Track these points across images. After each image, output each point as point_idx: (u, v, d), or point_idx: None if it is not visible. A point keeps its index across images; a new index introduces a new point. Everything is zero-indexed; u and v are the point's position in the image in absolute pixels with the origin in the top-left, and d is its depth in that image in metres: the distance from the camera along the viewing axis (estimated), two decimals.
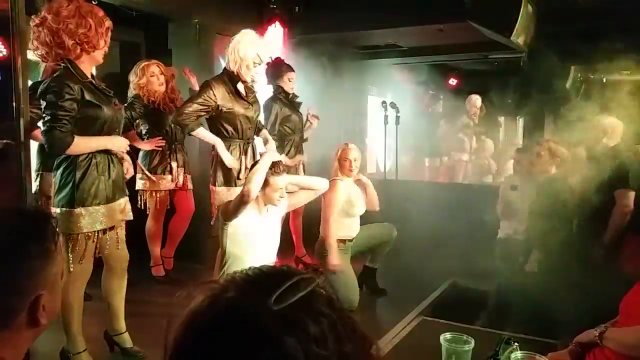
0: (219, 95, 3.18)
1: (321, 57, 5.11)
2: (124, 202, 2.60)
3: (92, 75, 2.49)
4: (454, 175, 7.06)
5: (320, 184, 3.14)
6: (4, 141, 2.59)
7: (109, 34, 2.48)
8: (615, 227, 3.30)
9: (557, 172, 3.65)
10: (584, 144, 3.78)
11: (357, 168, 3.67)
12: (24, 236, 1.01)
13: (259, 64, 3.26)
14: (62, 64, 2.39)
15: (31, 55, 2.50)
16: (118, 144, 2.55)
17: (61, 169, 2.46)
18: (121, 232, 2.64)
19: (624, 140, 3.49)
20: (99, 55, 2.47)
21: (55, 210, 2.43)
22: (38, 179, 3.35)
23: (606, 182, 3.28)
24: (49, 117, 2.33)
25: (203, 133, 3.27)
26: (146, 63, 3.74)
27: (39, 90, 2.39)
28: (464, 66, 7.50)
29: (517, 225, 3.99)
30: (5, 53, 2.45)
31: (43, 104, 2.36)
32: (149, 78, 3.70)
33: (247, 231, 2.77)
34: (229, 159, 3.21)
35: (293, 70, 4.19)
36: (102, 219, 2.47)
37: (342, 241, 3.65)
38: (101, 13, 2.43)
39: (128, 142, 2.63)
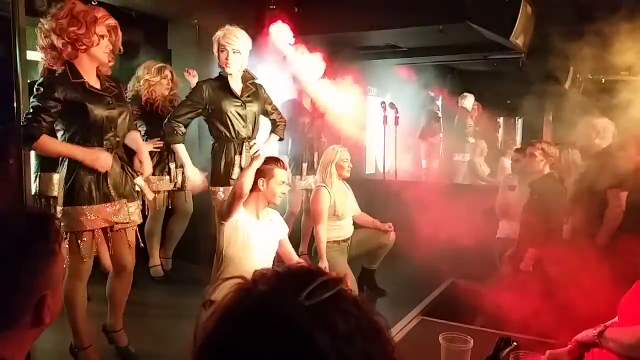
0: (208, 95, 3.18)
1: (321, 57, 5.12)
2: (120, 204, 2.54)
3: (98, 75, 2.53)
4: (454, 176, 7.07)
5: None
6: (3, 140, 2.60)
7: (111, 31, 2.50)
8: (608, 227, 3.32)
9: (550, 172, 3.65)
10: (577, 145, 3.80)
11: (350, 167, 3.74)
12: (30, 237, 1.01)
13: (224, 50, 3.18)
14: (63, 67, 2.43)
15: (30, 55, 2.52)
16: (91, 157, 2.42)
17: (59, 168, 2.51)
18: (130, 234, 2.63)
19: (619, 140, 3.50)
20: (97, 53, 2.47)
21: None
22: (37, 180, 3.35)
23: (599, 183, 3.30)
24: (27, 112, 2.38)
25: (180, 150, 3.26)
26: (162, 65, 3.79)
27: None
28: (463, 67, 7.50)
29: (515, 225, 3.99)
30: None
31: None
32: (161, 80, 3.72)
33: (244, 234, 2.76)
34: (194, 175, 3.29)
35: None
36: (87, 219, 2.44)
37: (337, 242, 3.67)
38: (99, 13, 2.45)
39: (107, 160, 2.47)
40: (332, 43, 5.18)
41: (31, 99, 2.39)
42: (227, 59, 3.19)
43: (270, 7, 4.77)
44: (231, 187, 3.20)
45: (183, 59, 4.31)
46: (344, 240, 3.72)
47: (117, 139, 2.57)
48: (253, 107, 3.31)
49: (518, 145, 6.87)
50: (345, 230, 3.74)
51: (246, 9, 4.72)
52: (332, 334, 0.57)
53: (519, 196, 3.99)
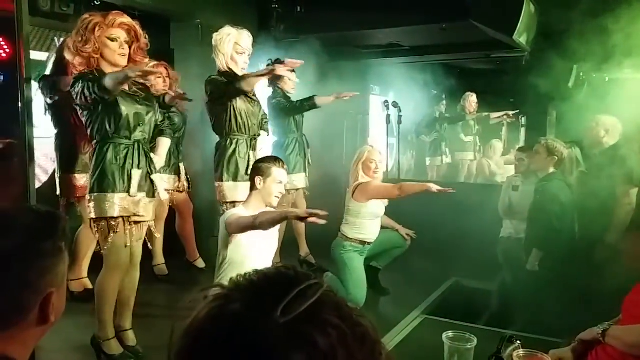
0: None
1: (323, 56, 5.12)
2: (140, 196, 2.58)
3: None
4: (457, 175, 7.06)
5: None
6: (8, 140, 2.60)
7: (128, 32, 2.56)
8: (618, 225, 3.30)
9: (555, 171, 3.63)
10: (584, 143, 3.78)
11: (380, 170, 3.68)
12: (38, 234, 1.02)
13: (243, 53, 3.27)
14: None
15: (35, 55, 2.54)
16: None
17: (91, 158, 2.64)
18: (149, 230, 2.73)
19: (625, 138, 3.49)
20: (109, 57, 2.53)
21: None
22: (59, 182, 3.33)
23: (608, 180, 3.28)
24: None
25: None
26: (155, 63, 3.76)
27: None
28: (466, 65, 7.49)
29: (519, 224, 3.98)
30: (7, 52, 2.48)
31: None
32: (156, 79, 3.72)
33: (246, 234, 2.73)
34: None
35: (293, 70, 4.19)
36: (111, 206, 2.50)
37: (362, 243, 3.65)
38: (107, 18, 2.49)
39: None
40: (335, 42, 5.18)
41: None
42: (245, 62, 3.30)
43: (273, 6, 4.77)
44: (240, 184, 3.22)
45: (186, 59, 4.32)
46: (368, 243, 3.67)
47: (144, 135, 2.64)
48: (259, 106, 3.42)
49: (521, 144, 6.86)
50: (375, 233, 3.67)
51: (249, 9, 4.72)
52: (312, 352, 0.54)
53: (522, 196, 3.98)
